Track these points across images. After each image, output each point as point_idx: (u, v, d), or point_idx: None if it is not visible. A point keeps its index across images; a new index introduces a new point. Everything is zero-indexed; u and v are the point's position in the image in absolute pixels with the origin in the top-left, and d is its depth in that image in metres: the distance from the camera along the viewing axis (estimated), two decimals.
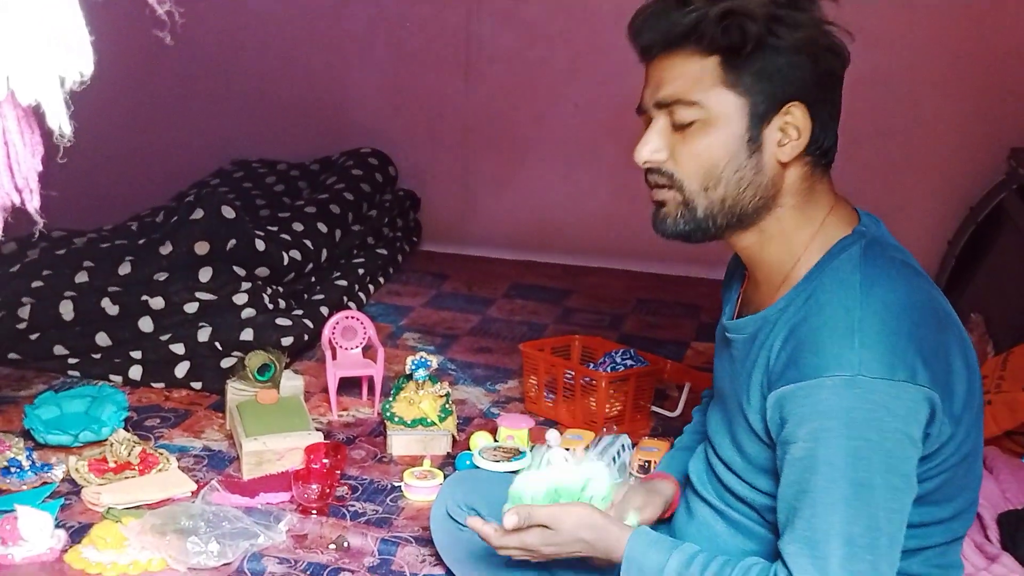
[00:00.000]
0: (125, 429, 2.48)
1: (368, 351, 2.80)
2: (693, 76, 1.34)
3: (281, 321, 2.91)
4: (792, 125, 1.35)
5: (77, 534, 2.10)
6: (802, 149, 1.36)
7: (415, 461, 2.46)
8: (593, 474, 1.54)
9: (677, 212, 1.40)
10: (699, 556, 1.38)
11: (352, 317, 2.78)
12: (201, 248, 2.93)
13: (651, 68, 1.39)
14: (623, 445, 2.41)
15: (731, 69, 1.32)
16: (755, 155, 1.35)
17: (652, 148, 1.39)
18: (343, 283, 3.43)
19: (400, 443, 2.53)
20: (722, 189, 1.36)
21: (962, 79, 3.60)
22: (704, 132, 1.35)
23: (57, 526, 2.08)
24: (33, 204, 0.75)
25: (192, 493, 2.27)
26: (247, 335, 2.82)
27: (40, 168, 0.76)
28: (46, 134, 0.76)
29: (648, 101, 1.40)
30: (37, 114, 0.74)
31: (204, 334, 2.84)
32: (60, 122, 0.73)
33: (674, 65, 1.35)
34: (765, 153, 1.35)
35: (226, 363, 2.80)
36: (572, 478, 1.53)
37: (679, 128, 1.36)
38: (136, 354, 2.86)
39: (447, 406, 2.56)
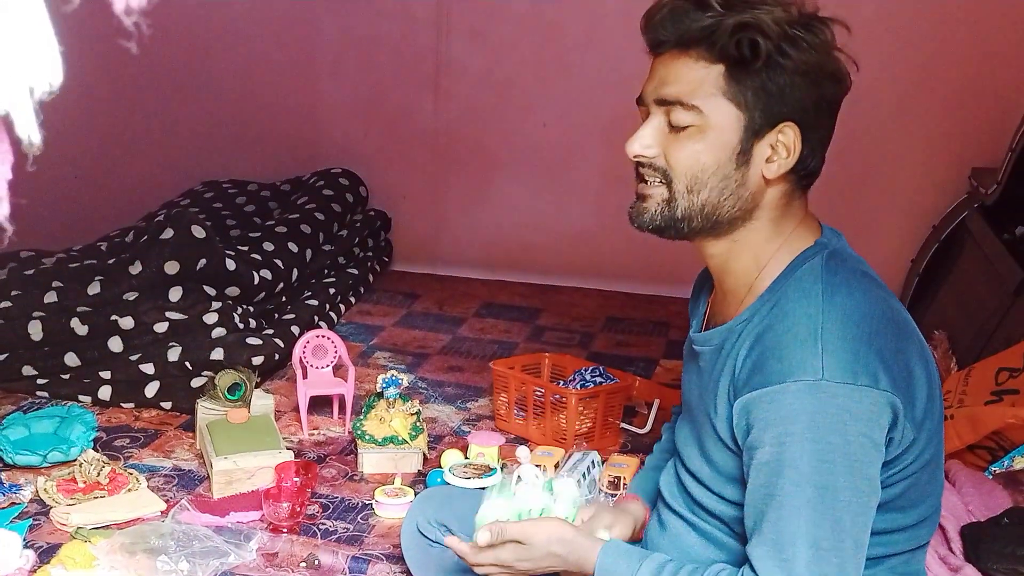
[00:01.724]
0: (94, 449, 2.47)
1: (339, 370, 2.81)
2: (697, 80, 1.35)
3: (251, 340, 2.91)
4: (783, 144, 1.37)
5: (46, 554, 2.08)
6: (788, 169, 1.39)
7: (386, 479, 2.47)
8: (552, 503, 1.56)
9: (657, 208, 1.42)
10: (669, 564, 1.40)
11: (323, 336, 2.79)
12: (171, 268, 2.93)
13: (657, 63, 1.41)
14: (593, 462, 2.43)
15: (734, 81, 1.34)
16: (742, 168, 1.38)
17: (643, 144, 1.41)
18: (314, 302, 3.43)
19: (371, 461, 2.53)
20: (704, 194, 1.39)
21: (924, 99, 3.67)
22: (698, 137, 1.37)
23: (25, 546, 2.08)
24: (2, 211, 0.76)
25: (162, 512, 2.27)
26: (217, 354, 2.82)
27: (10, 176, 0.78)
28: (15, 143, 0.78)
29: (649, 95, 1.41)
30: (6, 123, 0.75)
31: (174, 354, 2.83)
32: (29, 132, 0.75)
33: (680, 66, 1.37)
34: (752, 167, 1.38)
35: (196, 383, 2.80)
36: (534, 505, 1.55)
37: (674, 128, 1.38)
38: (105, 374, 2.85)
39: (418, 424, 2.57)
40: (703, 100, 1.35)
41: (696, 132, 1.37)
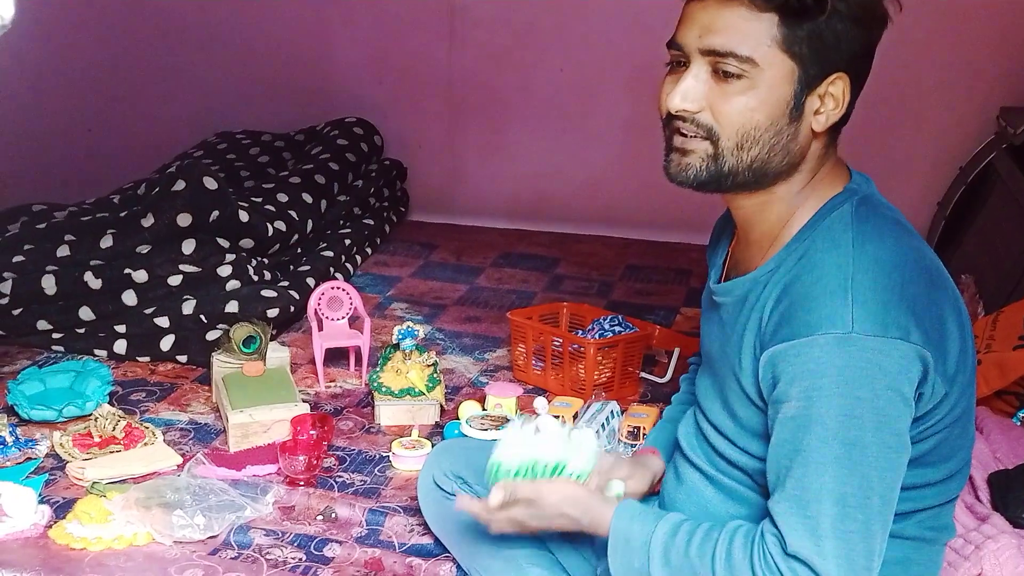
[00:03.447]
0: (110, 403, 2.46)
1: (355, 322, 2.78)
2: (750, 31, 1.28)
3: (266, 293, 2.88)
4: (831, 96, 1.32)
5: (61, 509, 2.08)
6: (836, 120, 1.34)
7: (403, 431, 2.45)
8: (572, 455, 1.51)
9: (702, 163, 1.35)
10: (685, 524, 1.37)
11: (338, 287, 2.76)
12: (183, 220, 2.89)
13: (697, 8, 1.32)
14: (612, 412, 2.40)
15: (790, 31, 1.28)
16: (795, 122, 1.32)
17: (687, 96, 1.33)
18: (329, 254, 3.40)
19: (388, 413, 2.51)
20: (755, 151, 1.33)
21: (951, 37, 3.58)
22: (750, 91, 1.30)
23: (41, 502, 2.07)
24: None
25: (178, 466, 2.25)
26: (232, 307, 2.79)
27: None
28: None
29: (690, 44, 1.32)
30: None
31: (189, 307, 2.81)
32: None
33: (730, 14, 1.29)
34: (803, 121, 1.33)
35: (211, 336, 2.78)
36: (549, 456, 1.50)
37: (722, 80, 1.31)
38: (120, 328, 2.83)
39: (435, 375, 2.54)
40: (759, 52, 1.28)
41: (748, 85, 1.30)
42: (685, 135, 1.35)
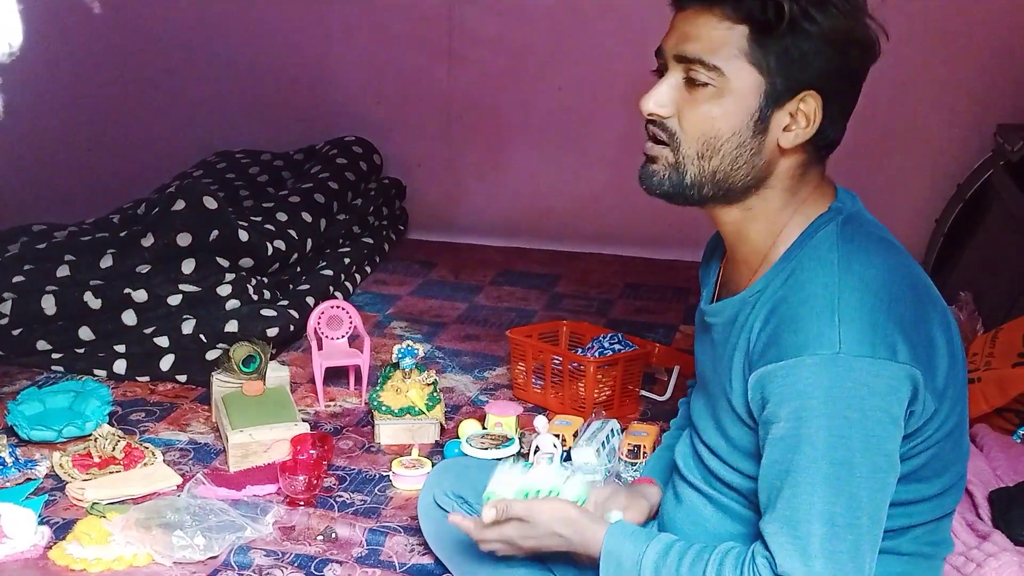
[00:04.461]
0: (110, 424, 2.46)
1: (354, 341, 2.78)
2: (720, 40, 1.30)
3: (266, 312, 2.88)
4: (803, 113, 1.33)
5: (61, 530, 2.07)
6: (806, 139, 1.34)
7: (403, 450, 2.44)
8: (565, 484, 1.52)
9: (665, 172, 1.38)
10: (676, 545, 1.37)
11: (337, 307, 2.76)
12: (183, 239, 2.90)
13: (680, 18, 1.35)
14: (612, 430, 2.39)
15: (757, 44, 1.29)
16: (759, 135, 1.33)
17: (659, 101, 1.36)
18: (329, 273, 3.40)
19: (388, 432, 2.51)
20: (717, 161, 1.34)
21: (948, 55, 3.59)
22: (716, 100, 1.32)
23: (41, 523, 2.07)
24: None
25: (178, 487, 2.25)
26: (232, 326, 2.80)
27: None
28: None
29: (669, 51, 1.36)
30: None
31: (188, 326, 2.81)
32: None
33: (704, 23, 1.31)
34: (769, 135, 1.34)
35: (211, 355, 2.77)
36: (543, 483, 1.51)
37: (692, 87, 1.33)
38: (120, 348, 2.83)
39: (435, 394, 2.54)
40: (725, 61, 1.30)
41: (715, 95, 1.32)
42: (654, 141, 1.38)
